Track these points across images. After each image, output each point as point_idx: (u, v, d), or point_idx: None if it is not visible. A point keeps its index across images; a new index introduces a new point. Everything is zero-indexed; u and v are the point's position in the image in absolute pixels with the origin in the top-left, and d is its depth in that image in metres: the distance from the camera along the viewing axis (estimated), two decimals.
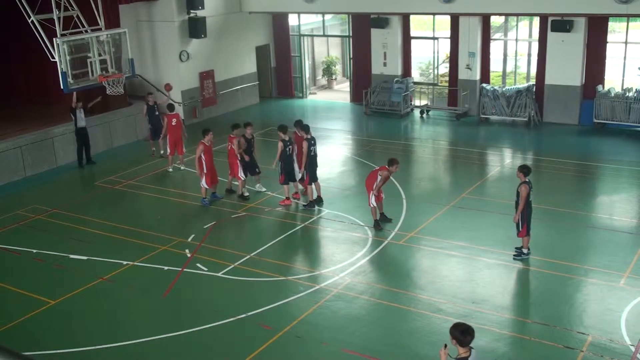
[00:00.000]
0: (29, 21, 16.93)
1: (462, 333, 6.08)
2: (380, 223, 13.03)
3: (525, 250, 11.46)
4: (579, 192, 15.16)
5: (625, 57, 19.81)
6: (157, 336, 9.61)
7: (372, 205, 12.99)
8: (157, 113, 18.01)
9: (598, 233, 12.76)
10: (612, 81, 20.61)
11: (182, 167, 17.27)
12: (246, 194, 14.92)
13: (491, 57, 21.79)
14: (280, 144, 14.28)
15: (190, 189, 15.96)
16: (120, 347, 9.39)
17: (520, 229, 11.33)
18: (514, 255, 11.53)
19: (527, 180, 11.19)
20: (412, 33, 23.43)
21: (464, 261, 11.69)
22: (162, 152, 18.02)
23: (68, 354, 9.32)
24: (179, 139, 17.07)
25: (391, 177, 13.59)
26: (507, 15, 21.81)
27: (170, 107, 17.27)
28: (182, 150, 17.22)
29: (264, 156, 17.76)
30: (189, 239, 12.91)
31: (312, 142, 14.25)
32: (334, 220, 13.70)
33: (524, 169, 11.29)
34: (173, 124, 16.92)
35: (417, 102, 23.26)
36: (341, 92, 26.61)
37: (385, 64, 23.14)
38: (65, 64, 16.56)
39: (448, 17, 21.86)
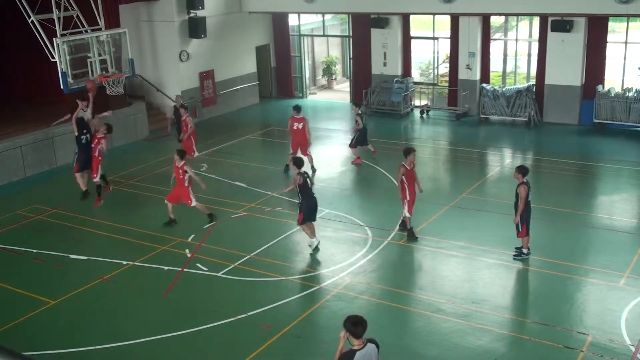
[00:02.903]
0: (29, 21, 16.94)
1: (354, 325, 6.14)
2: (404, 230, 12.67)
3: (525, 250, 11.46)
4: (579, 192, 15.17)
5: (625, 57, 19.81)
6: (157, 336, 9.60)
7: (405, 215, 12.57)
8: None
9: (598, 233, 12.76)
10: (612, 81, 20.60)
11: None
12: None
13: (491, 57, 21.79)
14: (357, 117, 16.94)
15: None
16: (120, 347, 9.39)
17: (520, 229, 11.33)
18: (514, 255, 11.53)
19: (525, 180, 11.19)
20: (412, 33, 23.43)
21: (464, 261, 11.69)
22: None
23: (68, 354, 9.32)
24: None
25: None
26: (507, 15, 21.82)
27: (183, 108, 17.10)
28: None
29: (266, 156, 17.75)
30: (189, 239, 12.91)
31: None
32: (334, 220, 13.70)
33: (522, 170, 11.27)
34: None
35: (417, 102, 23.27)
36: (341, 92, 26.62)
37: (385, 64, 23.14)
38: (65, 64, 16.57)
39: (448, 17, 21.86)
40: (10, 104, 20.91)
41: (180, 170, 13.16)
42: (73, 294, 11.00)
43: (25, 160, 17.27)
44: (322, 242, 13.02)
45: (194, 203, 13.46)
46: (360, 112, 17.17)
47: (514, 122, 20.84)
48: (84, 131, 14.64)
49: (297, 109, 16.42)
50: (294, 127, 16.21)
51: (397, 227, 12.88)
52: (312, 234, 12.10)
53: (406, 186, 12.34)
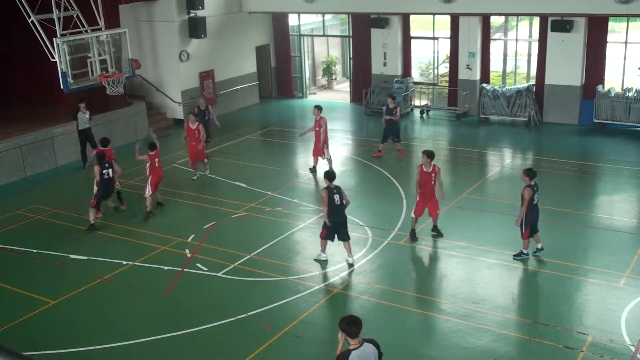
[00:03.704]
0: (29, 21, 16.94)
1: (348, 324, 6.12)
2: (415, 234, 12.49)
3: (525, 251, 11.47)
4: (579, 192, 15.17)
5: (625, 57, 19.80)
6: (157, 336, 9.61)
7: (411, 216, 12.48)
8: (207, 118, 17.11)
9: (598, 233, 12.76)
10: (612, 81, 20.60)
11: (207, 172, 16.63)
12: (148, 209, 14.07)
13: (491, 57, 21.79)
14: (397, 109, 17.37)
15: (190, 189, 15.97)
16: (120, 347, 9.39)
17: (524, 231, 11.30)
18: (514, 255, 11.53)
19: (532, 183, 11.14)
20: (412, 33, 23.43)
21: (464, 261, 11.69)
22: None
23: (68, 354, 9.33)
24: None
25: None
26: (507, 15, 21.82)
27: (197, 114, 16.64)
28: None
29: (266, 156, 17.63)
30: (189, 239, 12.91)
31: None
32: None
33: (529, 173, 11.21)
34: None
35: (417, 102, 23.26)
36: (341, 92, 26.62)
37: (385, 64, 23.14)
38: (65, 64, 16.57)
39: (448, 17, 21.86)
40: (10, 104, 20.90)
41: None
42: (73, 294, 11.00)
43: (25, 160, 17.27)
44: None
45: (146, 194, 14.11)
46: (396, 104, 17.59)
47: (514, 122, 20.84)
48: (106, 165, 13.75)
49: (319, 108, 16.33)
50: (316, 129, 16.14)
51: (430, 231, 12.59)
52: (323, 249, 11.73)
53: (417, 188, 12.25)
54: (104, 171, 13.65)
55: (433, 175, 12.10)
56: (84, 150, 17.73)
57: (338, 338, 6.29)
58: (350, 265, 11.60)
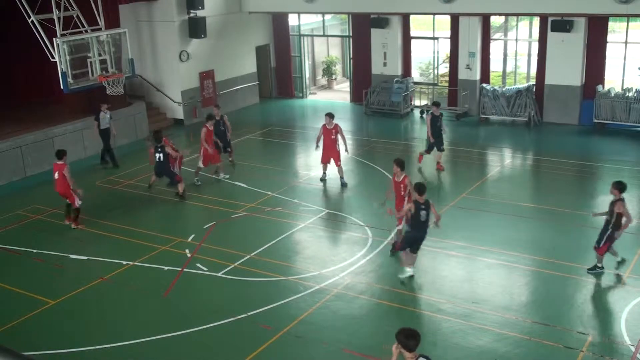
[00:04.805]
0: (29, 21, 16.94)
1: (407, 337, 5.94)
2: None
3: (600, 265, 10.99)
4: (579, 192, 15.16)
5: (625, 57, 19.81)
6: (157, 336, 9.61)
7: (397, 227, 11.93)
8: (222, 128, 16.77)
9: (598, 233, 12.72)
10: (612, 81, 20.61)
11: (223, 176, 16.38)
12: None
13: (491, 57, 21.79)
14: (428, 117, 16.50)
15: (191, 189, 15.96)
16: (120, 347, 9.39)
17: (601, 245, 10.86)
18: (588, 269, 11.06)
19: (622, 197, 10.69)
20: (412, 33, 23.44)
21: (464, 261, 11.69)
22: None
23: (68, 354, 9.33)
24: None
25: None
26: (507, 15, 21.83)
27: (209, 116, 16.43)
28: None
29: (266, 156, 17.61)
30: (189, 239, 12.91)
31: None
32: (334, 220, 13.70)
33: (619, 185, 10.75)
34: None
35: (417, 102, 23.27)
36: (341, 92, 26.62)
37: (385, 64, 23.14)
38: (65, 64, 16.57)
39: (448, 17, 21.87)
40: (10, 104, 20.88)
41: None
42: (73, 294, 11.00)
43: (25, 160, 17.28)
44: (322, 242, 13.05)
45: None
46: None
47: (514, 122, 20.84)
48: (159, 149, 14.72)
49: (332, 116, 15.63)
50: (332, 137, 15.35)
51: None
52: (409, 263, 11.01)
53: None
54: (157, 154, 14.79)
55: (402, 186, 11.67)
56: (108, 147, 17.70)
57: (392, 349, 6.08)
58: (411, 277, 11.07)
